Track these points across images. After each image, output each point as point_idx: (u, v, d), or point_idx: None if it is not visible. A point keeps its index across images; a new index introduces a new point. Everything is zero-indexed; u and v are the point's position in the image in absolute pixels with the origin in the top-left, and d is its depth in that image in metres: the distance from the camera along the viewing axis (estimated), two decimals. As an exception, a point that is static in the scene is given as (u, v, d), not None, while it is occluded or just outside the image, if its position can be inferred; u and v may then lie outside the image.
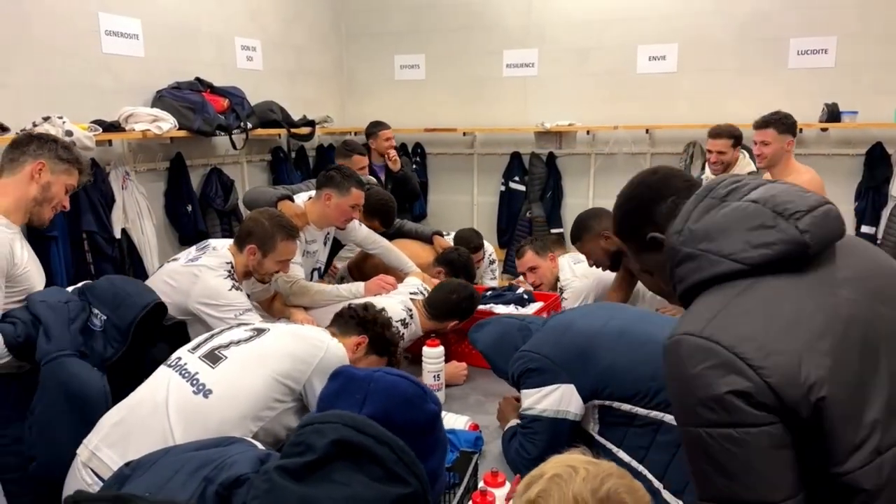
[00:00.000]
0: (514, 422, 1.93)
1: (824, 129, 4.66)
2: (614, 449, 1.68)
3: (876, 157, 4.62)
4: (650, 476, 1.58)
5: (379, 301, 2.49)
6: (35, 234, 3.06)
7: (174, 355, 1.78)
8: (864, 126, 4.57)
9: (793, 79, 4.74)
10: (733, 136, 3.74)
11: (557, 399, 1.72)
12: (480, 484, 1.56)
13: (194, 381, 1.64)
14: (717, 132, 3.76)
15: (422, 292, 2.78)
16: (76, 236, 3.28)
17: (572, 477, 0.88)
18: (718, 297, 0.98)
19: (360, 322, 1.99)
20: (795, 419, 0.89)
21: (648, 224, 1.21)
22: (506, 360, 1.92)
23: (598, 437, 1.74)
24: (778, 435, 0.89)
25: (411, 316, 2.55)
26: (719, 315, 0.95)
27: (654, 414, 1.61)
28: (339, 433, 0.93)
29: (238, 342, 1.75)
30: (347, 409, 1.07)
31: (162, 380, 1.68)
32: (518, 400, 2.08)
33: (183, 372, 1.68)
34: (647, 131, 5.14)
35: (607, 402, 1.70)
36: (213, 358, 1.71)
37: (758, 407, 0.88)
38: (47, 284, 2.97)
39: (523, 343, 1.91)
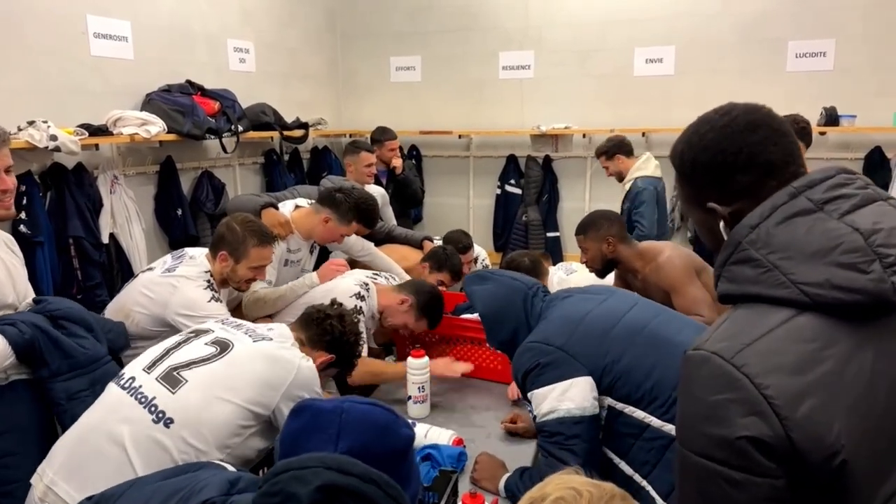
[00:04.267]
0: (505, 476, 1.75)
1: (823, 133, 4.61)
2: (616, 459, 1.60)
3: (875, 161, 4.58)
4: (654, 494, 1.51)
5: (332, 282, 2.52)
6: (20, 240, 3.02)
7: (126, 374, 1.66)
8: (863, 130, 4.52)
9: (791, 82, 4.70)
10: None
11: (580, 394, 1.58)
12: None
13: (152, 409, 1.54)
14: None
15: (387, 278, 2.80)
16: (62, 242, 3.24)
17: (577, 500, 0.87)
18: (762, 320, 0.86)
19: (333, 340, 1.87)
20: (806, 478, 0.81)
21: (715, 189, 0.98)
22: (500, 329, 1.83)
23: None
24: (780, 488, 0.81)
25: (367, 289, 2.53)
26: (758, 342, 0.84)
27: (668, 428, 1.50)
28: (322, 477, 0.86)
29: (198, 362, 1.64)
30: (321, 447, 1.02)
31: (115, 404, 1.58)
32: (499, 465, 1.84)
33: (139, 396, 1.57)
34: (643, 134, 5.09)
35: (619, 406, 1.59)
36: (171, 380, 1.60)
37: (770, 457, 0.80)
38: (33, 289, 2.97)
39: (525, 315, 1.80)
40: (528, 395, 1.68)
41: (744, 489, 0.82)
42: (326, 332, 1.87)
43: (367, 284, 2.54)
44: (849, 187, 0.91)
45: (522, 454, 1.96)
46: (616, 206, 4.47)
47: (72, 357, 1.89)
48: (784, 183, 0.93)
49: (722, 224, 0.99)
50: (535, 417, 1.69)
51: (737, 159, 0.96)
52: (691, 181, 1.03)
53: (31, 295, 2.09)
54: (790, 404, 0.80)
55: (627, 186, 3.95)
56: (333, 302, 2.02)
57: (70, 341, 1.91)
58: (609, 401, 1.61)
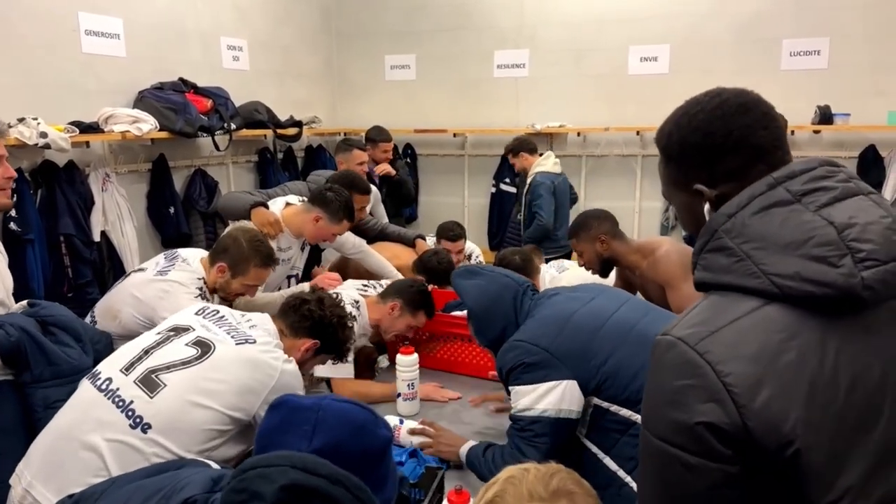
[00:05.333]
0: (470, 443, 1.80)
1: (817, 132, 4.62)
2: (600, 454, 1.59)
3: (869, 159, 4.58)
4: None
5: None
6: (10, 237, 3.02)
7: (103, 373, 1.62)
8: (857, 128, 4.52)
9: (785, 80, 4.70)
10: None
11: (558, 397, 1.58)
12: (444, 502, 1.51)
13: (129, 414, 1.50)
14: None
15: (374, 286, 2.75)
16: (53, 239, 3.23)
17: (525, 476, 0.96)
18: (730, 308, 0.87)
19: (314, 325, 1.83)
20: (761, 465, 0.82)
21: (703, 171, 0.98)
22: (490, 327, 1.81)
23: (585, 441, 1.64)
24: (734, 474, 0.82)
25: (357, 307, 2.48)
26: (723, 330, 0.85)
27: None
28: (287, 477, 0.85)
29: (178, 365, 1.59)
30: (295, 443, 1.00)
31: (90, 406, 1.54)
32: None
33: (116, 399, 1.53)
34: (638, 133, 5.09)
35: (605, 404, 1.59)
36: (149, 384, 1.54)
37: (726, 444, 0.81)
38: (23, 287, 2.96)
39: (514, 314, 1.78)
40: (510, 388, 1.69)
41: (699, 473, 0.83)
42: (305, 317, 1.83)
43: (357, 302, 2.51)
44: (830, 180, 0.90)
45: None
46: (613, 204, 4.48)
47: (55, 365, 1.85)
48: (772, 167, 0.93)
49: (707, 207, 0.98)
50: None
51: (726, 141, 0.95)
52: (679, 163, 1.02)
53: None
54: (748, 392, 0.81)
55: (529, 181, 4.36)
56: (313, 288, 1.98)
57: (56, 349, 1.87)
58: (595, 400, 1.61)
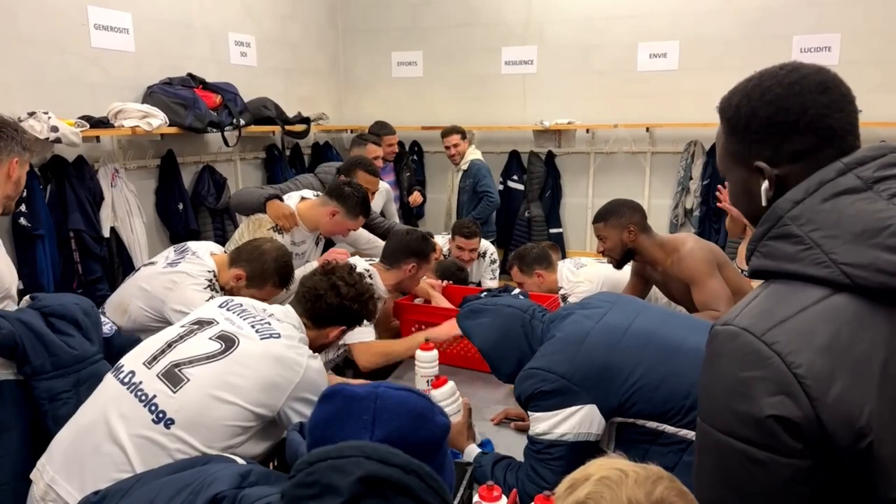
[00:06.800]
0: (475, 447, 1.78)
1: (828, 128, 4.59)
2: None
3: (880, 156, 4.55)
4: None
5: None
6: (20, 233, 2.99)
7: (126, 367, 1.59)
8: (869, 125, 4.48)
9: (796, 77, 4.66)
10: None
11: (578, 422, 1.55)
12: (476, 498, 1.48)
13: (153, 408, 1.47)
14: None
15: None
16: (63, 235, 3.20)
17: (623, 480, 0.84)
18: (796, 297, 0.83)
19: (335, 315, 1.82)
20: (832, 460, 0.79)
21: (768, 148, 0.92)
22: (508, 362, 1.77)
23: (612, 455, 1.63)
24: (805, 469, 0.79)
25: (370, 277, 2.49)
26: (791, 319, 0.81)
27: (683, 433, 1.47)
28: (364, 468, 0.81)
29: (202, 359, 1.55)
30: (355, 434, 0.96)
31: (113, 400, 1.51)
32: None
33: (139, 393, 1.50)
34: (647, 130, 5.06)
35: (630, 420, 1.55)
36: (173, 378, 1.52)
37: (797, 438, 0.78)
38: (33, 283, 2.94)
39: (527, 342, 1.74)
40: (528, 412, 1.67)
41: (766, 469, 0.80)
42: (325, 310, 1.82)
43: (368, 271, 2.53)
44: None
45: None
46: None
47: (56, 356, 1.81)
48: (841, 152, 0.89)
49: (765, 186, 0.93)
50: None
51: (800, 119, 0.90)
52: (743, 136, 0.96)
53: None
54: (821, 384, 0.78)
55: (465, 167, 4.72)
56: (325, 270, 1.91)
57: (56, 339, 1.83)
58: (619, 419, 1.58)
